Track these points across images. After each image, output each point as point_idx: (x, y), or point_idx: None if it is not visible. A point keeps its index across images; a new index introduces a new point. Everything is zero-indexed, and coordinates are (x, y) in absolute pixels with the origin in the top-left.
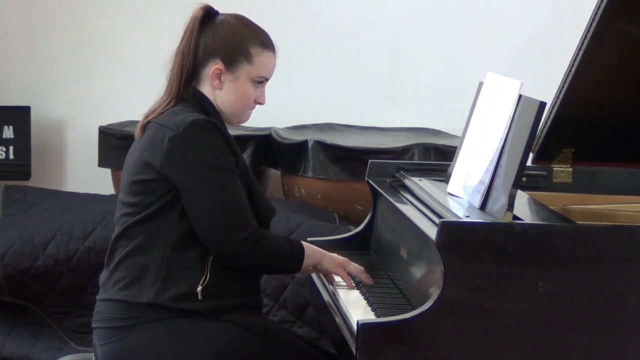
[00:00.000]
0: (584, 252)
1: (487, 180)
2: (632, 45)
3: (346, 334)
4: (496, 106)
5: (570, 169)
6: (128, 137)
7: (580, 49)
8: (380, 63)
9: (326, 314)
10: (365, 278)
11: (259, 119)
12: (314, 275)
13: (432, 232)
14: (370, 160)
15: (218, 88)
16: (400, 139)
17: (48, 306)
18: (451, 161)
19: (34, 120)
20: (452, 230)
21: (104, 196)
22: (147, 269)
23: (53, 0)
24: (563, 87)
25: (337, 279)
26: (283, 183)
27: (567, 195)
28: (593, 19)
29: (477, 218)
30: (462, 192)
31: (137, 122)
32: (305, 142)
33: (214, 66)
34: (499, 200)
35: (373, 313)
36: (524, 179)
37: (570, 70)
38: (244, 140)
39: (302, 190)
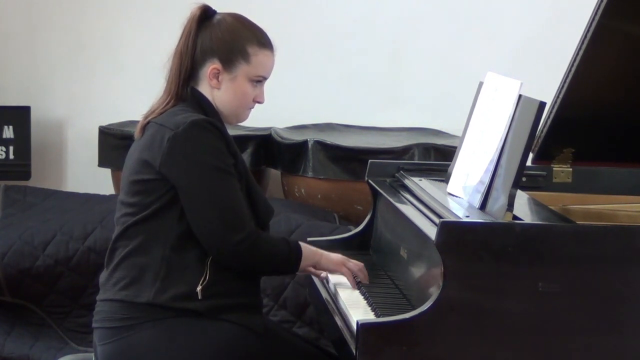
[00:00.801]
0: (584, 252)
1: (487, 180)
2: (632, 45)
3: (346, 334)
4: (496, 106)
5: (570, 169)
6: (128, 137)
7: (580, 49)
8: (380, 63)
9: (326, 314)
10: (363, 276)
11: (259, 119)
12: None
13: (432, 232)
14: (370, 160)
15: (216, 88)
16: (400, 139)
17: (48, 306)
18: (451, 161)
19: (34, 120)
20: (452, 230)
21: (104, 196)
22: (147, 269)
23: (53, 1)
24: (563, 87)
25: (340, 278)
26: (283, 183)
27: (567, 195)
28: (593, 19)
29: (477, 218)
30: (462, 192)
31: (137, 122)
32: (305, 142)
33: (212, 66)
34: (498, 200)
35: (373, 313)
36: (524, 179)
37: (570, 70)
38: (244, 140)
39: (302, 190)
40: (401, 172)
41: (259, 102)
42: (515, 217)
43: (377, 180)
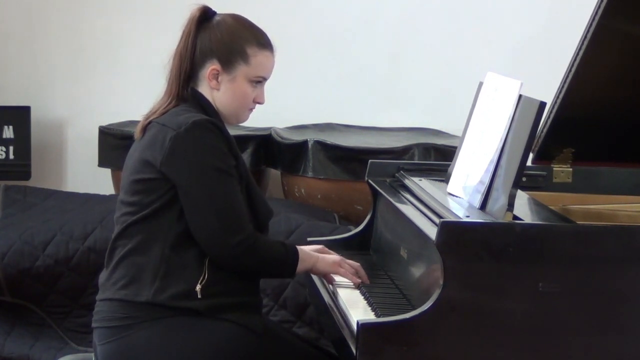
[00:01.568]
0: (584, 252)
1: (487, 180)
2: (632, 45)
3: (346, 334)
4: (496, 106)
5: (570, 169)
6: (128, 137)
7: (580, 49)
8: (380, 63)
9: (326, 314)
10: (363, 275)
11: (259, 119)
12: (313, 275)
13: (432, 232)
14: (370, 160)
15: (215, 89)
16: (400, 139)
17: (48, 306)
18: (451, 161)
19: (34, 120)
20: (452, 230)
21: (104, 196)
22: (146, 268)
23: (53, 1)
24: (563, 87)
25: (339, 278)
26: (283, 183)
27: (567, 195)
28: (593, 19)
29: (477, 218)
30: (462, 192)
31: (137, 122)
32: (305, 142)
33: (211, 67)
34: (499, 200)
35: (373, 313)
36: (524, 179)
37: (570, 70)
38: (244, 140)
39: (302, 190)
40: (401, 172)
41: (259, 103)
42: (515, 217)
43: (377, 180)
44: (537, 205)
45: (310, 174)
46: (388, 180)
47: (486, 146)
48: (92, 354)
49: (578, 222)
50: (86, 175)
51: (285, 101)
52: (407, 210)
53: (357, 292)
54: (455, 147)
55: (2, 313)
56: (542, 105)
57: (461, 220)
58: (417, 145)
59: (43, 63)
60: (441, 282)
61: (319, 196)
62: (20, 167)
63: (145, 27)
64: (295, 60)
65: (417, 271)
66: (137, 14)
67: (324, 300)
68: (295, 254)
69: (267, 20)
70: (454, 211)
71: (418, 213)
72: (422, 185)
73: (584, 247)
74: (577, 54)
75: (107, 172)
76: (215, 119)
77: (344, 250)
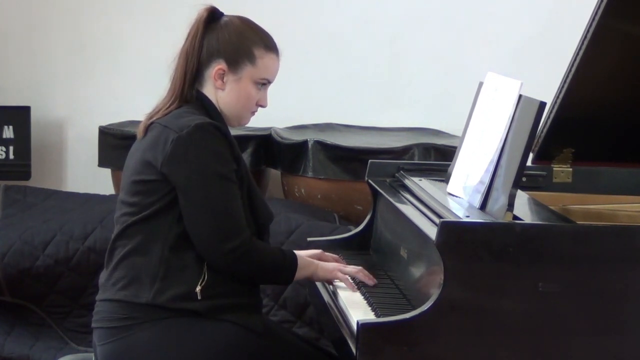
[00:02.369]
0: (584, 252)
1: (487, 180)
2: (632, 45)
3: (346, 334)
4: (496, 106)
5: (570, 169)
6: (128, 137)
7: (580, 49)
8: (380, 63)
9: (326, 314)
10: (365, 277)
11: (259, 119)
12: None
13: (432, 232)
14: (370, 160)
15: (220, 88)
16: (400, 139)
17: (48, 306)
18: (451, 161)
19: (34, 120)
20: (452, 230)
21: (104, 196)
22: (146, 269)
23: (53, 1)
24: (563, 87)
25: (338, 282)
26: (283, 183)
27: (567, 195)
28: (593, 19)
29: (477, 218)
30: (462, 192)
31: (137, 122)
32: (305, 142)
33: (217, 66)
34: (499, 200)
35: (373, 313)
36: (524, 179)
37: (570, 70)
38: (244, 140)
39: (302, 190)
40: (401, 172)
41: (261, 106)
42: (515, 217)
43: (377, 180)
44: (537, 205)
45: (310, 174)
46: (388, 180)
47: (486, 146)
48: (92, 354)
49: (578, 222)
50: (86, 175)
51: (285, 101)
52: (407, 210)
53: (357, 292)
54: (455, 147)
55: (2, 313)
56: (542, 105)
57: (461, 220)
58: (417, 145)
59: (43, 63)
60: (441, 282)
61: (319, 196)
62: (20, 167)
63: (145, 27)
64: (295, 60)
65: (417, 271)
66: (137, 14)
67: (324, 300)
68: (293, 262)
69: (268, 20)
70: (454, 211)
71: (418, 213)
72: (422, 185)
73: (584, 247)
74: (577, 54)
75: (107, 172)
76: (218, 122)
77: (344, 250)
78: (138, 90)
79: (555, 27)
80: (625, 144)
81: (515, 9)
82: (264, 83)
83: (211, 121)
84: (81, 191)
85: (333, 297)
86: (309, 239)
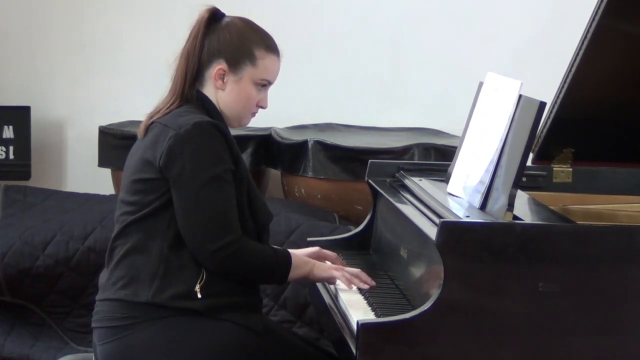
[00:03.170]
0: (584, 252)
1: (487, 180)
2: (632, 45)
3: (346, 334)
4: (496, 106)
5: (570, 169)
6: (128, 137)
7: (580, 49)
8: (380, 63)
9: (326, 314)
10: (361, 282)
11: (259, 119)
12: None
13: (432, 232)
14: (370, 160)
15: (220, 89)
16: (400, 139)
17: (48, 306)
18: (451, 161)
19: (34, 120)
20: (452, 230)
21: (104, 196)
22: (145, 267)
23: (53, 1)
24: (563, 87)
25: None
26: (283, 183)
27: (567, 195)
28: (593, 19)
29: (477, 218)
30: (462, 192)
31: (137, 122)
32: (305, 142)
33: (218, 66)
34: (499, 200)
35: (373, 313)
36: (524, 179)
37: (570, 70)
38: (244, 140)
39: (302, 190)
40: (401, 172)
41: (262, 107)
42: (515, 217)
43: (377, 180)
44: (537, 205)
45: (310, 174)
46: (388, 180)
47: (486, 146)
48: (92, 354)
49: (578, 222)
50: (86, 175)
51: (285, 101)
52: (407, 210)
53: (357, 293)
54: (455, 147)
55: (2, 313)
56: (542, 105)
57: (461, 220)
58: (417, 145)
59: (43, 63)
60: (441, 282)
61: (319, 196)
62: (20, 167)
63: (145, 27)
64: (295, 60)
65: (417, 271)
66: (137, 14)
67: (324, 300)
68: (287, 261)
69: (268, 20)
70: (454, 211)
71: (418, 213)
72: (422, 185)
73: (583, 247)
74: (577, 53)
75: (107, 172)
76: (217, 121)
77: (344, 250)
78: (138, 90)
79: (555, 27)
80: (625, 144)
81: (515, 9)
82: (265, 84)
83: (210, 120)
84: (81, 191)
85: (333, 297)
86: (309, 239)
